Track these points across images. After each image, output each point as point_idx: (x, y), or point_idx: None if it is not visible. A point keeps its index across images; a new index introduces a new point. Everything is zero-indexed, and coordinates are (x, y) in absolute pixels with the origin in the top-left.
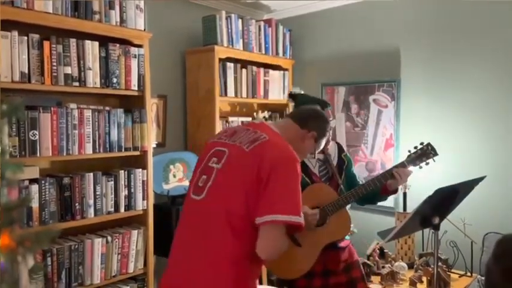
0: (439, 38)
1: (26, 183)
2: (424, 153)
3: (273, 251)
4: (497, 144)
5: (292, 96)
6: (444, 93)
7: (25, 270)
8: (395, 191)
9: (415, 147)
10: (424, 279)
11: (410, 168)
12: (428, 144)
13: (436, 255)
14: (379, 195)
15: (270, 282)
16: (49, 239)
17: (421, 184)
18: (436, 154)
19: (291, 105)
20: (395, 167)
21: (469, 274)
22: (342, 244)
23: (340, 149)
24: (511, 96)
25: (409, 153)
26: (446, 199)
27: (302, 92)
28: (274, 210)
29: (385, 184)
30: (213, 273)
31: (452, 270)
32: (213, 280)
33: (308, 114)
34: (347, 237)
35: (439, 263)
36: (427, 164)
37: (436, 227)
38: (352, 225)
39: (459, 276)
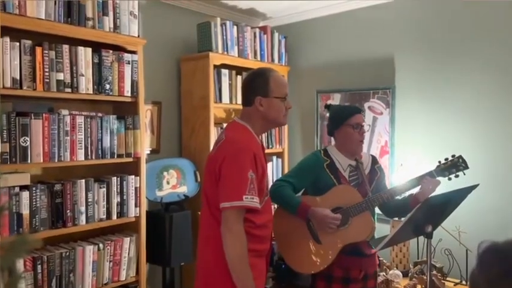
0: (433, 44)
1: (17, 189)
2: (455, 165)
3: (226, 232)
4: (493, 151)
5: (327, 107)
6: (439, 100)
7: (1, 281)
8: None
9: (446, 159)
10: (419, 287)
11: (439, 178)
12: (460, 156)
13: (429, 263)
14: (409, 206)
15: None
16: (26, 249)
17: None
18: (466, 167)
19: (326, 115)
20: (423, 176)
21: (464, 282)
22: (368, 252)
23: (374, 160)
24: (507, 103)
25: (438, 164)
26: (438, 207)
27: (337, 103)
28: (222, 198)
29: (415, 196)
30: (204, 247)
31: (448, 279)
32: (204, 252)
33: (242, 92)
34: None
35: (434, 271)
36: (457, 176)
37: (429, 235)
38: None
39: (454, 285)
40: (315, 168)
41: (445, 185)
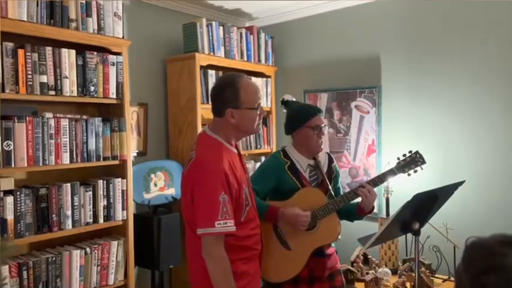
0: (418, 43)
1: (1, 194)
2: (413, 160)
3: (206, 256)
4: (479, 147)
5: (284, 103)
6: (425, 98)
7: None
8: (372, 211)
9: (404, 155)
10: (408, 284)
11: (400, 175)
12: (417, 152)
13: (417, 260)
14: (355, 215)
15: None
16: (6, 255)
17: (404, 189)
18: (424, 162)
19: (284, 111)
20: (385, 173)
21: (452, 278)
22: (328, 251)
23: (330, 159)
24: (493, 100)
25: (398, 161)
26: (425, 204)
27: (294, 99)
28: (198, 224)
29: (359, 205)
30: (191, 262)
31: (436, 275)
32: (193, 268)
33: (212, 102)
34: (332, 244)
35: (423, 268)
36: (416, 171)
37: (417, 233)
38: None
39: (442, 281)
40: (275, 171)
41: (432, 182)
